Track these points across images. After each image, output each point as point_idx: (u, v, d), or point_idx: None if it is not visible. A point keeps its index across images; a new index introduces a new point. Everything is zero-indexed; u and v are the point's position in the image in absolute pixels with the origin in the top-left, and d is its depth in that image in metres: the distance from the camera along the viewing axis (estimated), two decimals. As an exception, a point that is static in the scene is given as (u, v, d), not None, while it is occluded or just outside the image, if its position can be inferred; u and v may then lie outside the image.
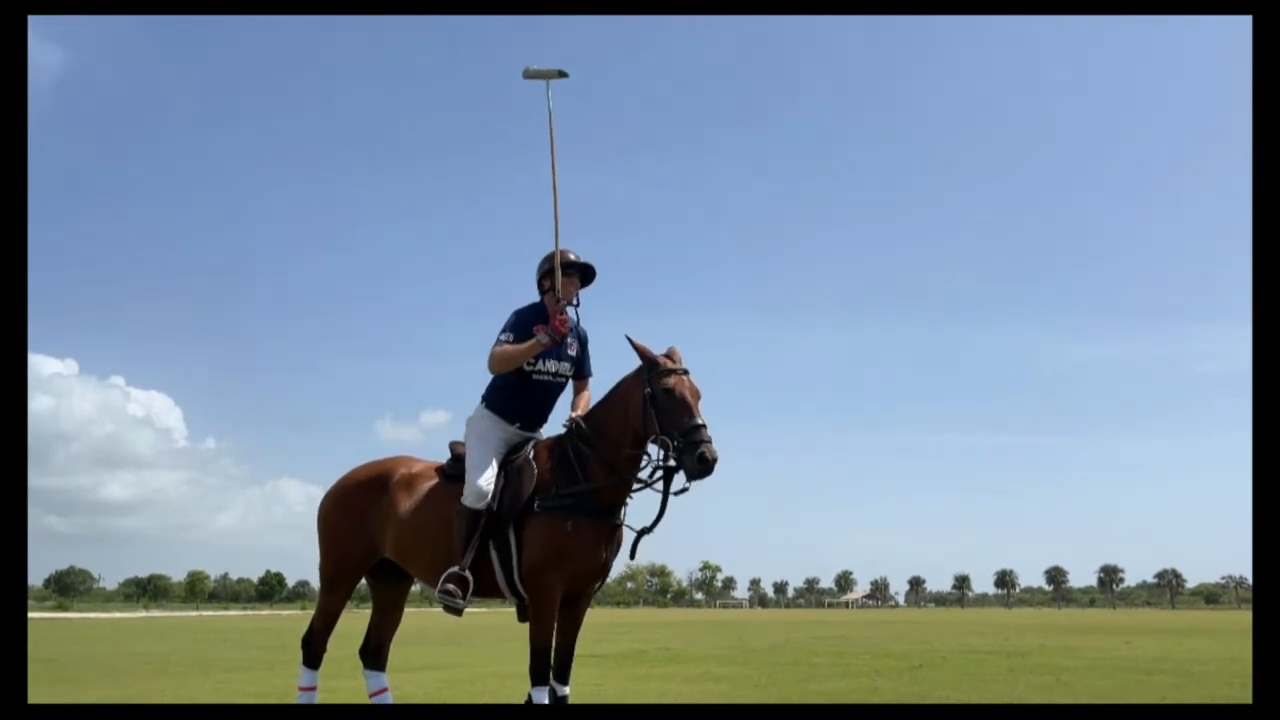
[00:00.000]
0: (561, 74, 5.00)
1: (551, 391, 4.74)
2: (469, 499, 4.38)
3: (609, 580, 4.67)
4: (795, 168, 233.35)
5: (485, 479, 4.42)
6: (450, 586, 4.28)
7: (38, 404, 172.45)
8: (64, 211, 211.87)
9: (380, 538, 4.72)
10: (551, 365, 4.65)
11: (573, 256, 4.67)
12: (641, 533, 4.42)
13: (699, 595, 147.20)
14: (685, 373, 4.36)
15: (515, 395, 4.67)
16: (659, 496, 4.34)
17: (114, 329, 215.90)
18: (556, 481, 4.38)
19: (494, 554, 4.39)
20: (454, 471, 4.65)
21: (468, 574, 4.33)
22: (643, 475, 4.39)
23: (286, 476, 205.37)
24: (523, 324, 4.61)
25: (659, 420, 4.22)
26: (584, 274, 4.74)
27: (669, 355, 4.40)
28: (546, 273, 4.68)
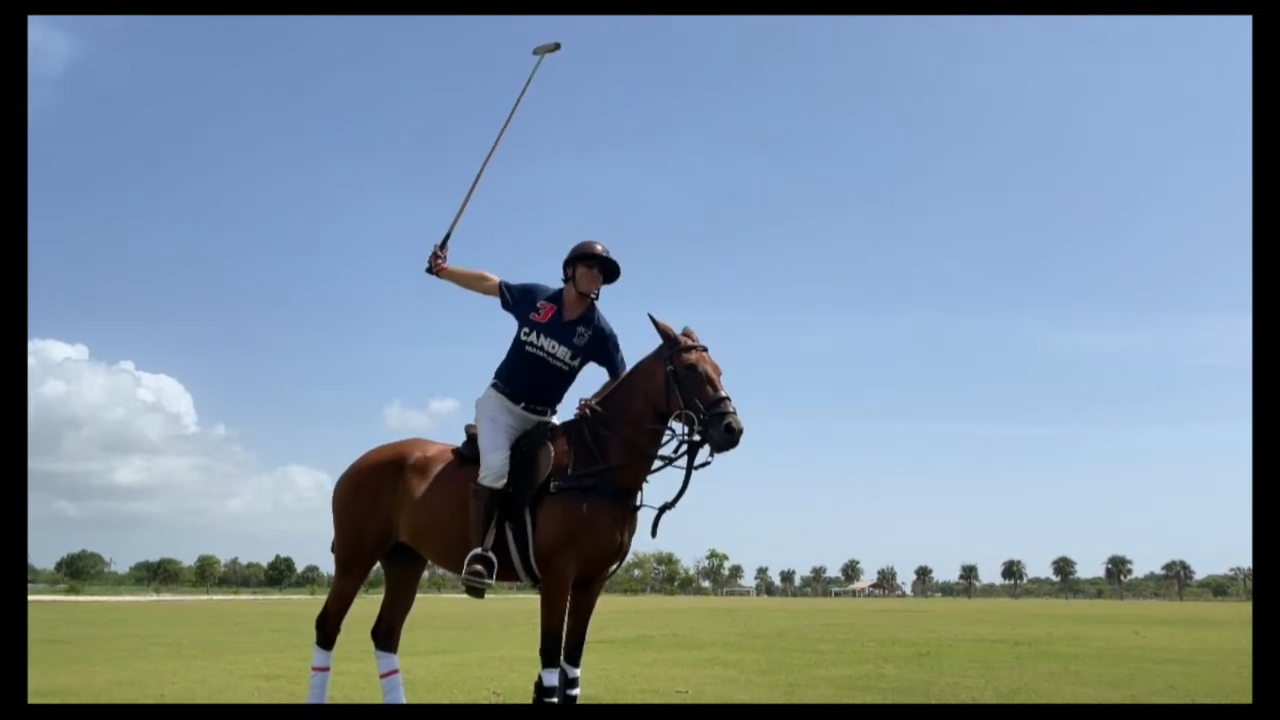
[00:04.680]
0: (556, 46, 5.30)
1: (549, 371, 4.65)
2: (486, 478, 4.38)
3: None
4: (791, 156, 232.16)
5: (501, 458, 4.42)
6: (478, 568, 4.28)
7: (49, 389, 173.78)
8: (74, 198, 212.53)
9: (395, 520, 4.72)
10: (547, 343, 4.60)
11: (599, 249, 4.65)
12: (663, 509, 4.41)
13: (706, 583, 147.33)
14: (705, 349, 4.41)
15: (514, 368, 4.67)
16: (678, 477, 4.36)
17: (124, 314, 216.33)
18: (573, 463, 4.39)
19: (510, 536, 4.40)
20: (469, 454, 4.64)
21: (491, 555, 4.34)
22: (665, 452, 4.41)
23: (295, 463, 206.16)
24: (528, 289, 4.71)
25: (683, 395, 4.27)
26: (606, 269, 4.70)
27: (686, 334, 4.45)
28: (569, 261, 4.68)
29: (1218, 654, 10.93)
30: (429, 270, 4.84)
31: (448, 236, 4.90)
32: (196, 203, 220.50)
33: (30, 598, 40.19)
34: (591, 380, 4.81)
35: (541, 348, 4.59)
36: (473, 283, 4.83)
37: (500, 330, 4.82)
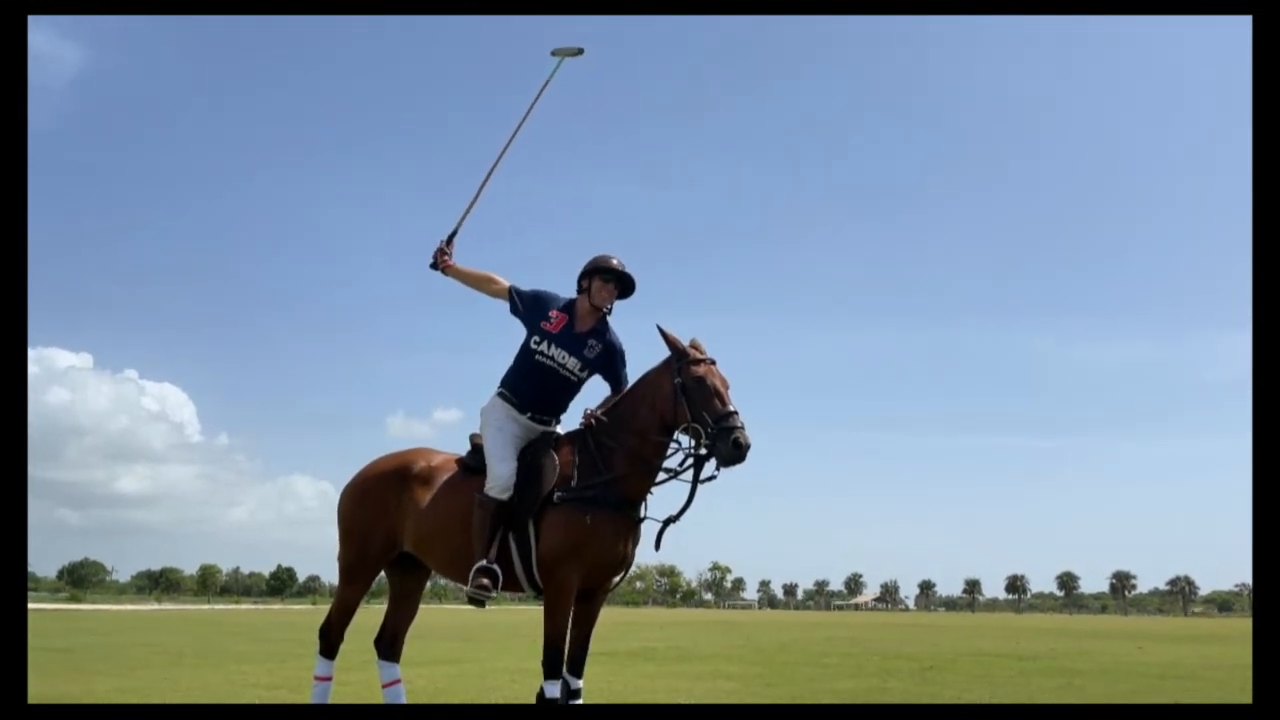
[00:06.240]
0: (579, 51, 5.22)
1: (557, 381, 4.64)
2: (493, 489, 4.37)
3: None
4: (800, 166, 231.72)
5: (509, 469, 4.41)
6: (483, 581, 4.28)
7: (53, 397, 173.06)
8: (79, 206, 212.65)
9: (400, 530, 4.72)
10: (557, 353, 4.59)
11: (615, 263, 4.63)
12: (667, 522, 4.41)
13: (708, 596, 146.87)
14: (713, 362, 4.40)
15: (521, 376, 4.66)
16: (682, 490, 4.36)
17: (128, 322, 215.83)
18: (578, 473, 4.38)
19: (514, 546, 4.40)
20: (474, 463, 4.64)
21: (496, 567, 4.33)
22: (670, 464, 4.41)
23: (298, 472, 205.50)
24: (539, 297, 4.69)
25: (690, 409, 4.26)
26: (622, 283, 4.68)
27: (694, 346, 4.44)
28: (585, 273, 4.67)
29: (1222, 670, 10.87)
30: (433, 266, 4.81)
31: (454, 233, 4.87)
32: (201, 210, 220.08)
33: (32, 606, 40.09)
34: (595, 392, 4.82)
35: (552, 357, 4.58)
36: (480, 284, 4.82)
37: (505, 341, 4.82)
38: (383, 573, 5.01)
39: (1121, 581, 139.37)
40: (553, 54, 5.23)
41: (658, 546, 4.49)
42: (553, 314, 4.62)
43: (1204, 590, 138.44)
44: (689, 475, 4.36)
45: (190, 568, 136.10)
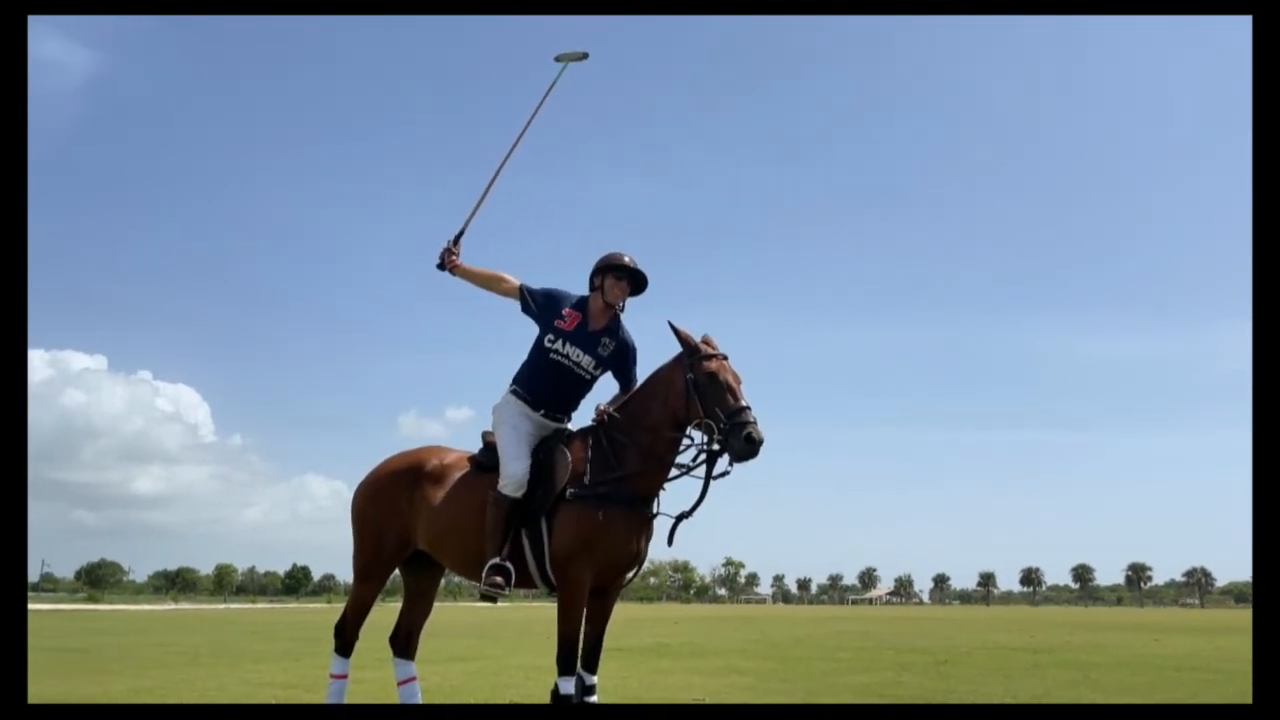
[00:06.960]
0: (583, 55, 5.25)
1: (571, 379, 4.66)
2: (507, 487, 4.38)
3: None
4: (803, 164, 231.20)
5: (523, 467, 4.42)
6: (497, 579, 4.29)
7: (68, 399, 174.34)
8: (93, 208, 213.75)
9: (413, 528, 4.73)
10: (571, 351, 4.60)
11: (626, 260, 4.63)
12: (680, 518, 4.42)
13: (722, 591, 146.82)
14: (725, 358, 4.40)
15: (535, 374, 4.67)
16: (695, 485, 4.37)
17: (142, 324, 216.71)
18: (590, 470, 4.39)
19: (527, 543, 4.41)
20: (487, 461, 4.65)
21: (509, 564, 4.34)
22: (683, 460, 4.41)
23: (311, 472, 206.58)
24: (551, 295, 4.69)
25: (703, 404, 4.26)
26: (634, 280, 4.69)
27: (706, 342, 4.44)
28: (597, 270, 4.67)
29: (1240, 662, 10.79)
30: (440, 266, 4.82)
31: (461, 233, 4.88)
32: (215, 211, 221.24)
33: (50, 607, 40.53)
34: (603, 389, 4.82)
35: (567, 355, 4.60)
36: (490, 284, 4.82)
37: (516, 339, 4.83)
38: (397, 571, 5.03)
39: (1137, 573, 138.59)
40: (556, 59, 5.24)
41: (670, 542, 4.49)
42: (566, 312, 4.63)
43: (1221, 582, 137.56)
44: (702, 471, 4.36)
45: (206, 567, 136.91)
